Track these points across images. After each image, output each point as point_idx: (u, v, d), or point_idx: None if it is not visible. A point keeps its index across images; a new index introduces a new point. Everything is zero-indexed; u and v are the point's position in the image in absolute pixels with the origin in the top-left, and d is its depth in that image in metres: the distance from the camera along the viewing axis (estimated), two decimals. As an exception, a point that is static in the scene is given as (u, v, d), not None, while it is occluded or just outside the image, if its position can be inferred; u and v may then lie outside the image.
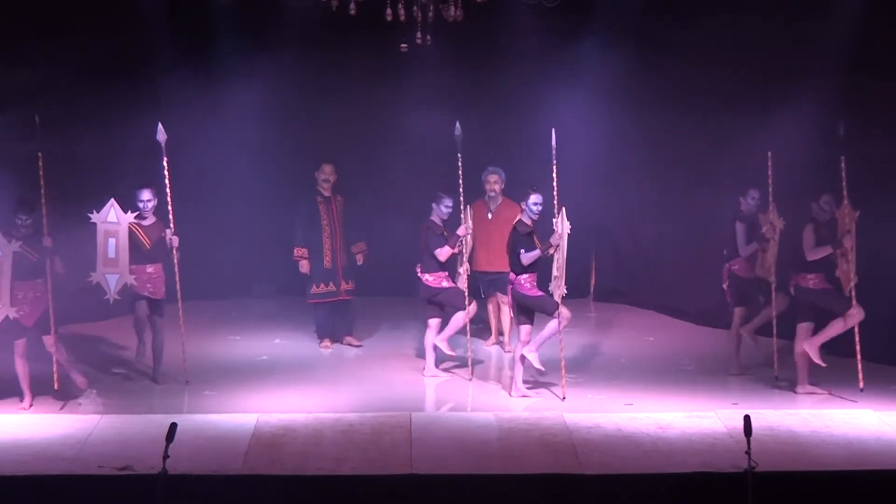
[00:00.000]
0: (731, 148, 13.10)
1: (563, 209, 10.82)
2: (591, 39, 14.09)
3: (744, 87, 13.05)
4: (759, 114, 12.74)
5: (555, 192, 10.91)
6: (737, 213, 11.83)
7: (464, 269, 11.79)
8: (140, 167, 12.22)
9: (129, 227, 11.00)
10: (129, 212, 10.95)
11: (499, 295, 12.72)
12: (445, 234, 11.80)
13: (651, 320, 14.54)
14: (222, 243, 15.04)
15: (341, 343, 12.96)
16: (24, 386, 10.61)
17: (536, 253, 10.94)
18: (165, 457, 7.66)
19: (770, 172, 11.38)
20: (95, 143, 13.29)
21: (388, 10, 10.24)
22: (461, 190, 11.60)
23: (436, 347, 11.87)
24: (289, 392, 11.19)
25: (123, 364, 12.04)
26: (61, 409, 10.49)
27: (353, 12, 10.19)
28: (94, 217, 10.85)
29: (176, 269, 11.28)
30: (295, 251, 12.69)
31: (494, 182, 12.65)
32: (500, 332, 13.06)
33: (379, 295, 14.36)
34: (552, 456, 9.32)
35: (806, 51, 12.51)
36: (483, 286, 12.81)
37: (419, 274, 11.91)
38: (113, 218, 10.86)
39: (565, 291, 10.86)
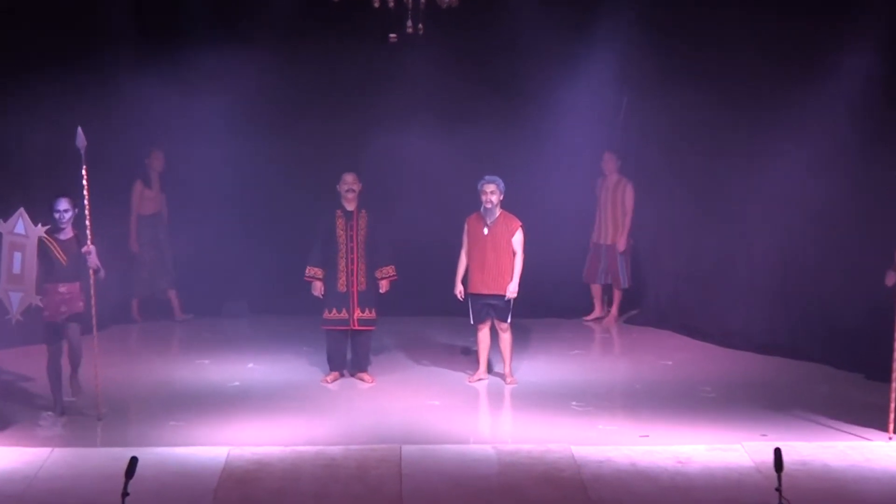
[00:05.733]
0: (759, 162, 12.93)
1: None
2: (594, 27, 13.94)
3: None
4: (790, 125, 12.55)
5: None
6: None
7: None
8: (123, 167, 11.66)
9: (43, 242, 10.54)
10: (40, 224, 10.43)
11: (496, 322, 12.08)
12: None
13: (670, 341, 14.08)
14: (192, 258, 14.74)
15: (353, 377, 12.17)
16: None
17: None
18: (125, 494, 7.40)
19: None
20: (50, 142, 12.89)
21: (377, -4, 10.29)
22: None
23: None
24: (263, 422, 10.92)
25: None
26: None
27: (336, -1, 10.14)
28: (0, 226, 10.46)
29: (92, 291, 10.72)
30: (307, 270, 11.81)
31: (491, 192, 11.81)
32: (490, 367, 12.37)
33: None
34: (559, 492, 9.11)
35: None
36: (475, 311, 12.09)
37: None
38: (21, 229, 10.39)
39: None
